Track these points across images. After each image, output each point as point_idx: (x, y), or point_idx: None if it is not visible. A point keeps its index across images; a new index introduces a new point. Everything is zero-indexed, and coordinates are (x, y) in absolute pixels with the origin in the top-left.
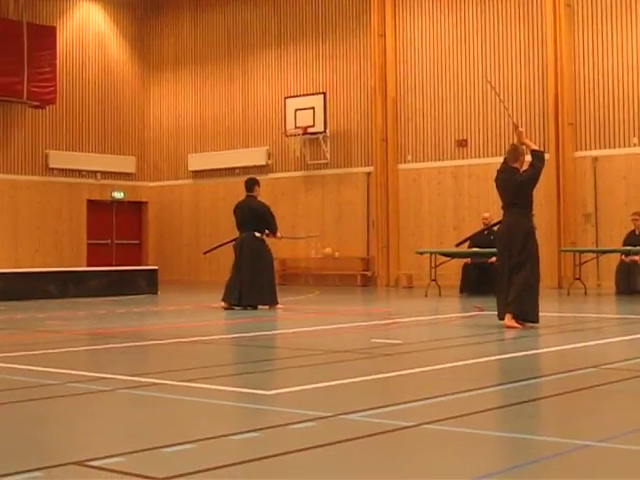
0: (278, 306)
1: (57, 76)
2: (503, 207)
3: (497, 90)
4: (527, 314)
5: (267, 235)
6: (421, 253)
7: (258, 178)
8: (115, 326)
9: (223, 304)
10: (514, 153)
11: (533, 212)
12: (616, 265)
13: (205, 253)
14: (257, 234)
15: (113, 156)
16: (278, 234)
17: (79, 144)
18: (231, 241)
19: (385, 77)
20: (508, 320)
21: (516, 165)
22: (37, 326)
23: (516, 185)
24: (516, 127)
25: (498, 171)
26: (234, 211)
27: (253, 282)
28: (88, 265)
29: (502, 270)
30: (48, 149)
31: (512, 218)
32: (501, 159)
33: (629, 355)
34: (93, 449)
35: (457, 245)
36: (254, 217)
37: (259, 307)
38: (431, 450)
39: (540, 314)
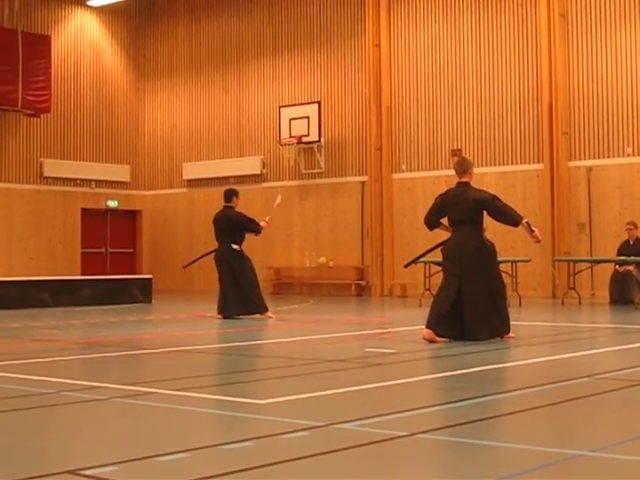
0: (268, 314)
1: (52, 85)
2: (451, 224)
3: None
4: (500, 332)
5: (257, 234)
6: (415, 263)
7: (237, 189)
8: (109, 335)
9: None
10: (462, 166)
11: (484, 227)
12: (610, 275)
13: (185, 267)
14: (234, 246)
15: (107, 165)
16: (262, 223)
17: (74, 153)
18: (209, 253)
19: (380, 87)
20: (428, 334)
21: (465, 179)
22: (31, 335)
23: (469, 202)
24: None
25: (442, 194)
26: (212, 222)
27: (233, 294)
28: (82, 274)
29: (448, 284)
30: (42, 158)
31: (461, 235)
32: (495, 169)
33: (623, 365)
34: (87, 458)
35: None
36: (229, 228)
37: (252, 316)
38: (424, 460)
39: (533, 323)
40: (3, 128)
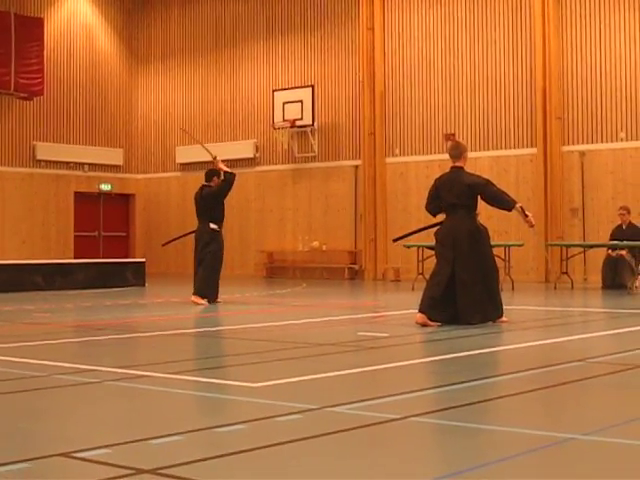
0: (201, 301)
1: (45, 68)
2: (445, 209)
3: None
4: (492, 317)
5: (233, 180)
6: (408, 247)
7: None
8: (102, 318)
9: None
10: (456, 150)
11: (478, 212)
12: (603, 259)
13: (164, 245)
14: (212, 225)
15: (100, 148)
16: (220, 165)
17: (66, 136)
18: (190, 233)
19: (373, 70)
20: (421, 318)
21: (459, 163)
22: (24, 318)
23: (462, 187)
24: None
25: (437, 179)
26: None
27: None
28: (75, 257)
29: (441, 268)
30: (35, 141)
31: (454, 219)
32: (489, 153)
33: (615, 349)
34: (80, 441)
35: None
36: (204, 205)
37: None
38: (417, 443)
39: (526, 307)
40: None
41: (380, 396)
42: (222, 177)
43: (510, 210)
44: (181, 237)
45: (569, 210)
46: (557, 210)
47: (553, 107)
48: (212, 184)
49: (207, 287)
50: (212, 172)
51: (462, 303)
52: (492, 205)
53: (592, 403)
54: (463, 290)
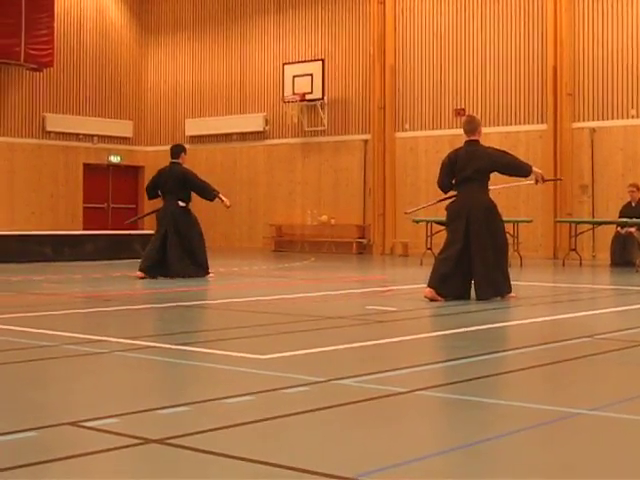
0: (210, 275)
1: (55, 39)
2: (459, 183)
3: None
4: (501, 291)
5: (209, 200)
6: (417, 221)
7: (186, 146)
8: (110, 289)
9: (139, 274)
10: (471, 125)
11: (489, 187)
12: (611, 237)
13: (128, 223)
14: (181, 203)
15: (110, 120)
16: (224, 200)
17: (76, 107)
18: (155, 211)
19: (384, 45)
20: (430, 292)
21: (475, 137)
22: (33, 288)
23: (484, 161)
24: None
25: (451, 154)
26: (155, 176)
27: (176, 253)
28: (84, 229)
29: (452, 243)
30: (45, 112)
31: (469, 193)
32: (498, 129)
33: (623, 325)
34: (88, 410)
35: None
36: (177, 184)
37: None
38: (423, 416)
39: (534, 284)
40: (6, 82)
41: (387, 369)
42: (213, 192)
43: (528, 175)
44: (147, 215)
45: (579, 187)
46: (566, 187)
47: (564, 83)
48: (180, 161)
49: (205, 263)
50: (178, 148)
51: (478, 277)
52: (510, 174)
53: (599, 379)
54: (477, 265)
